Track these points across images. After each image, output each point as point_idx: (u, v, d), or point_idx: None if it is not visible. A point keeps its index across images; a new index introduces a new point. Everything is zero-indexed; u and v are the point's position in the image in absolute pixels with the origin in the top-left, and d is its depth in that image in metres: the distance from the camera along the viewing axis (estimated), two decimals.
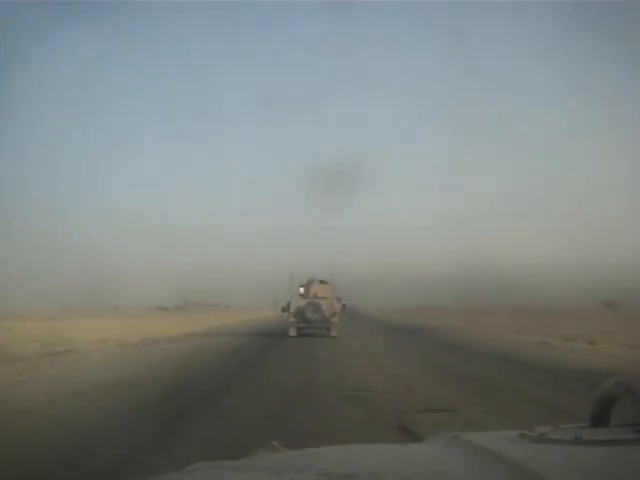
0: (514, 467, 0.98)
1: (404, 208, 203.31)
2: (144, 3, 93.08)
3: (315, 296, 25.72)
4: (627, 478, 0.95)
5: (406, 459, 1.16)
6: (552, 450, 1.07)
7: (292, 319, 25.61)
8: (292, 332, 25.40)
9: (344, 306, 26.91)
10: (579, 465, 0.99)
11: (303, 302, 25.44)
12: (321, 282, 26.36)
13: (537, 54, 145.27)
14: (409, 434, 6.37)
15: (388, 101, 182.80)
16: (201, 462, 1.17)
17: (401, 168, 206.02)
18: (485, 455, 1.07)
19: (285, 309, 26.30)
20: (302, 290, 26.15)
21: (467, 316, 52.92)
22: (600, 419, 1.19)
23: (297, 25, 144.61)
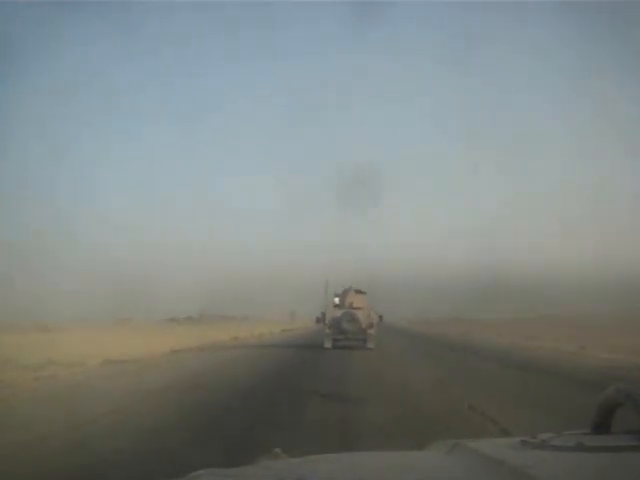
0: (516, 474, 1.04)
1: (425, 219, 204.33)
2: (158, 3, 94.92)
3: (351, 306, 25.92)
4: None
5: (407, 466, 1.23)
6: (554, 457, 1.13)
7: (327, 330, 25.84)
8: (327, 344, 25.64)
9: (381, 318, 27.23)
10: (581, 472, 1.05)
11: (339, 313, 25.62)
12: (357, 292, 26.53)
13: (551, 58, 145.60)
14: None
15: (404, 108, 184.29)
16: (203, 470, 1.25)
17: (424, 177, 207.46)
18: (487, 462, 1.14)
19: (320, 320, 26.63)
20: (337, 300, 26.31)
21: (515, 329, 49.21)
22: (602, 426, 1.25)
23: (319, 27, 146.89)
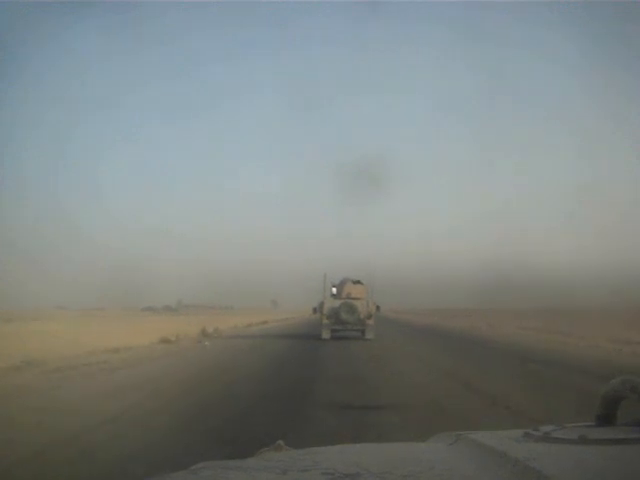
0: (519, 466, 1.08)
1: (420, 209, 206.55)
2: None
3: (349, 296, 26.31)
4: (633, 477, 1.05)
5: (411, 458, 1.27)
6: (557, 449, 1.17)
7: (325, 321, 26.10)
8: (325, 334, 25.95)
9: (378, 308, 27.68)
10: (585, 464, 1.09)
11: (337, 303, 25.95)
12: (355, 282, 26.96)
13: (563, 56, 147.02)
14: None
15: (411, 100, 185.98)
16: (206, 461, 1.28)
17: (424, 169, 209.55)
18: (490, 454, 1.18)
19: (317, 310, 27.05)
20: (335, 290, 26.71)
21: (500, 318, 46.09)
22: (606, 418, 1.30)
23: (323, 23, 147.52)
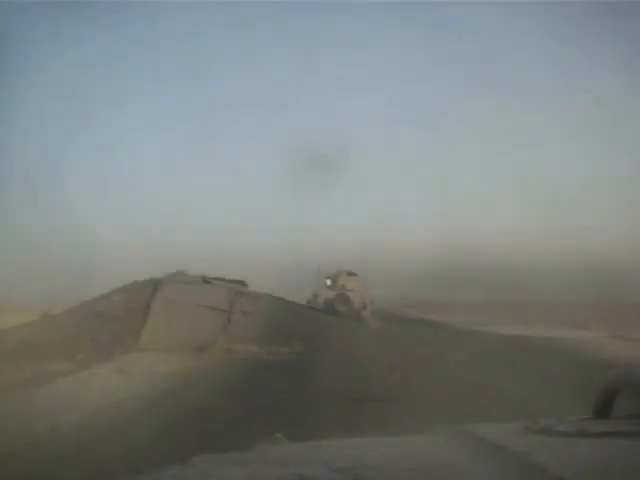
0: (518, 459, 1.09)
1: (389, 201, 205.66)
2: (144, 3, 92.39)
3: (343, 288, 26.32)
4: (629, 470, 1.07)
5: (409, 450, 1.27)
6: (556, 442, 1.19)
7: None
8: None
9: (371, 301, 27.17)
10: (582, 457, 1.11)
11: (331, 294, 26.03)
12: (349, 274, 26.91)
13: (536, 52, 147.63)
14: None
15: (378, 97, 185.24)
16: (205, 455, 1.27)
17: (384, 163, 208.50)
18: (489, 447, 1.19)
19: (311, 301, 26.79)
20: (329, 282, 26.73)
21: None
22: (603, 411, 1.33)
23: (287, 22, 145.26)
